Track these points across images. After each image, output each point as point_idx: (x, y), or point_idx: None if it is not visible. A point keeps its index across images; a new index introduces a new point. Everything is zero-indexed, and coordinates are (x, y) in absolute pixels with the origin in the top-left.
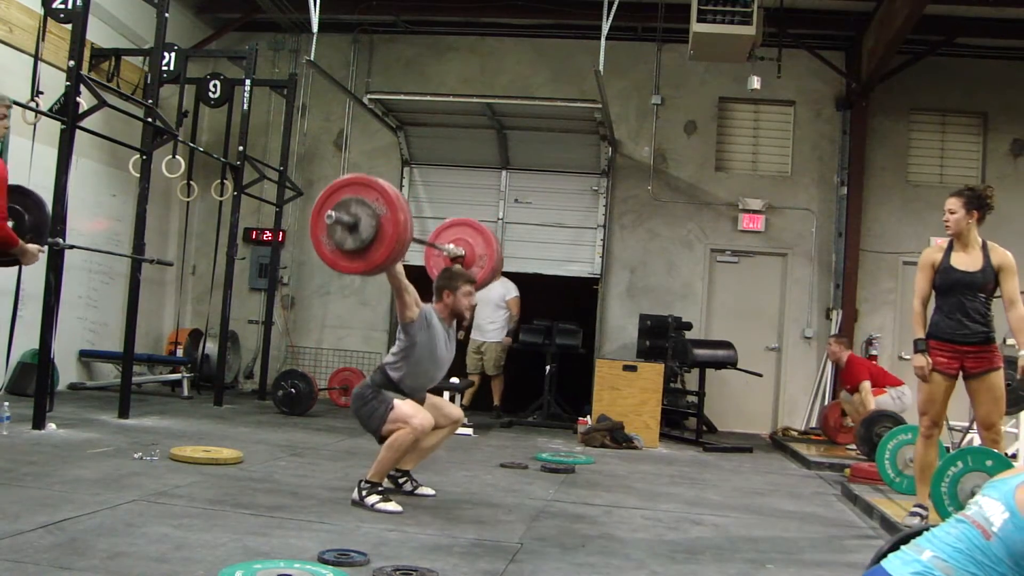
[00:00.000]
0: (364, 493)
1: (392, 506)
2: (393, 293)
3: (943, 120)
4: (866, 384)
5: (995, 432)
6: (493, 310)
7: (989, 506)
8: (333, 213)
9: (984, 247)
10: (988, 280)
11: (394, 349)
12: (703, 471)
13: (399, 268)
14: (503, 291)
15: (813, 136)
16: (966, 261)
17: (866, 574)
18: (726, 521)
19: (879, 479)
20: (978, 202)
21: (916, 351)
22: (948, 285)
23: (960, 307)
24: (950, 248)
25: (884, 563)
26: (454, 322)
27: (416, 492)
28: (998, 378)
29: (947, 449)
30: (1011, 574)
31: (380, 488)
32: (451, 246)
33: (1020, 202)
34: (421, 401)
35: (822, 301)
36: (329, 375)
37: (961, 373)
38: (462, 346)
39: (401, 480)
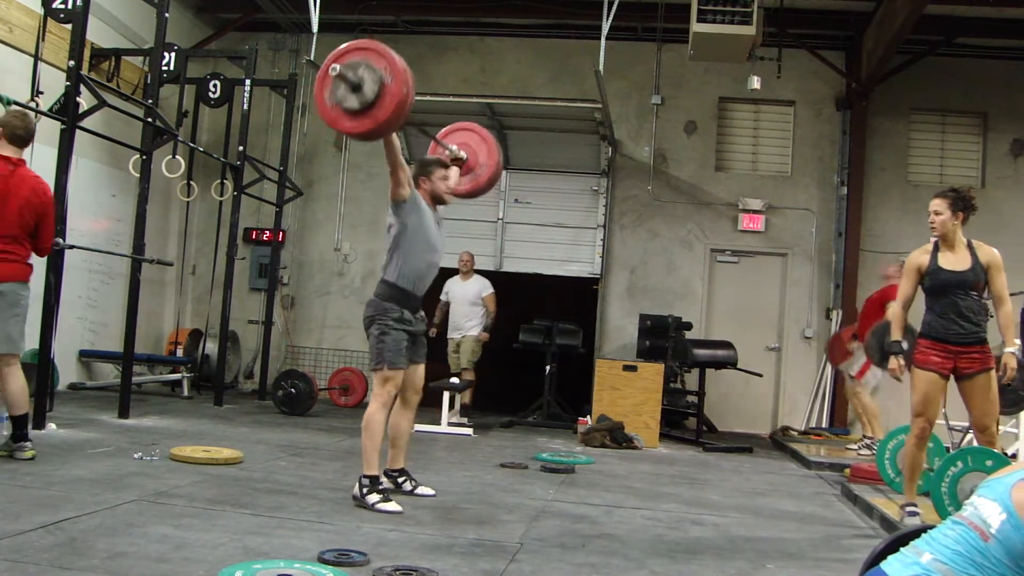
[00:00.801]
0: (365, 491)
1: (392, 506)
2: (389, 168)
3: (943, 120)
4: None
5: (989, 435)
6: (469, 307)
7: (985, 507)
8: (338, 66)
9: (970, 246)
10: (979, 278)
11: (387, 249)
12: (703, 471)
13: (396, 143)
14: (479, 288)
15: (813, 136)
16: (954, 261)
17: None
18: (726, 521)
19: (879, 479)
20: (963, 203)
21: (891, 352)
22: (940, 286)
23: (954, 307)
24: (936, 250)
25: (883, 565)
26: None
27: (416, 492)
28: (991, 379)
29: (947, 449)
30: (1012, 575)
31: (381, 486)
32: (455, 147)
33: (1020, 202)
34: (422, 291)
35: (822, 301)
36: (329, 375)
37: (953, 375)
38: (441, 346)
39: (400, 480)
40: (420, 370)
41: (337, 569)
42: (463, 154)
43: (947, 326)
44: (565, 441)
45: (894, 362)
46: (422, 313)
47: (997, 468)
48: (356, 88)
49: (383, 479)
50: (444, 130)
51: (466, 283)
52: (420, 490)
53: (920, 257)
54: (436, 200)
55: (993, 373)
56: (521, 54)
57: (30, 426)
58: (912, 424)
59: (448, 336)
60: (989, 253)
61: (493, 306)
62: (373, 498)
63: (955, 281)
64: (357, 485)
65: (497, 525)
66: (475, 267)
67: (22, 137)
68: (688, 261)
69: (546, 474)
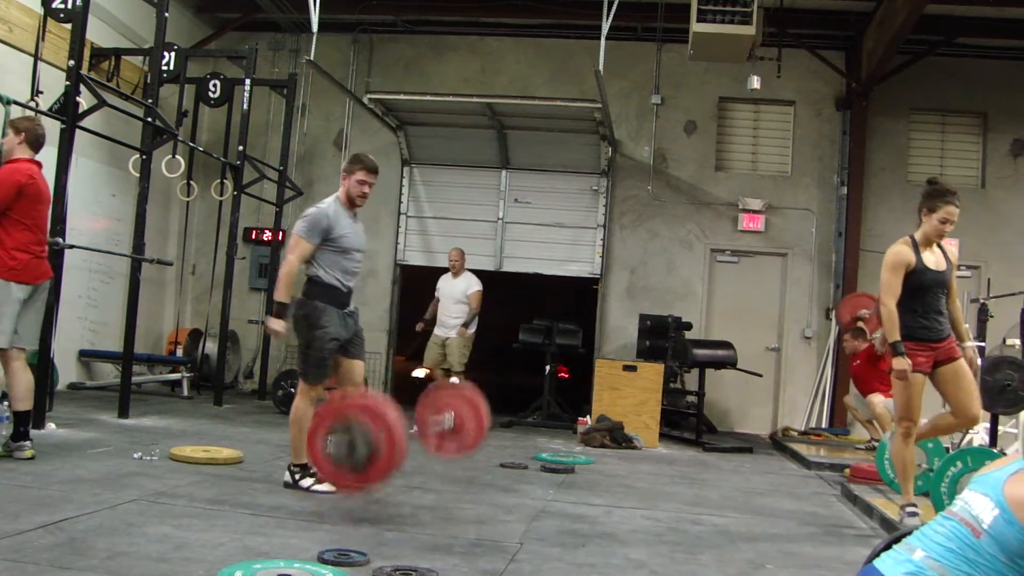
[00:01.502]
0: (297, 477)
1: (326, 487)
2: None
3: (943, 120)
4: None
5: (976, 419)
6: (455, 305)
7: (977, 502)
8: (331, 444)
9: (939, 245)
10: (950, 277)
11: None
12: (703, 471)
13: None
14: (465, 286)
15: (813, 136)
16: (933, 261)
17: (859, 574)
18: (726, 521)
19: (879, 479)
20: None
21: (897, 354)
22: (926, 286)
23: (934, 307)
24: (917, 248)
25: (876, 562)
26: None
27: (313, 489)
28: (964, 365)
29: (947, 450)
30: (1006, 570)
31: (312, 470)
32: (443, 418)
33: (1020, 202)
34: (348, 294)
35: (822, 301)
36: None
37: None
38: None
39: (298, 477)
40: (357, 366)
41: (337, 569)
42: (448, 423)
43: (931, 326)
44: (565, 441)
45: (903, 362)
46: (354, 307)
47: None
48: (350, 451)
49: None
50: (441, 396)
51: (455, 281)
52: (317, 487)
53: (908, 254)
54: (349, 200)
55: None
56: (521, 54)
57: (31, 425)
58: (898, 425)
59: (434, 332)
60: (953, 253)
61: (476, 303)
62: (307, 481)
63: (938, 281)
64: (287, 473)
65: (497, 525)
66: (474, 266)
67: (40, 141)
68: (688, 261)
69: (546, 474)
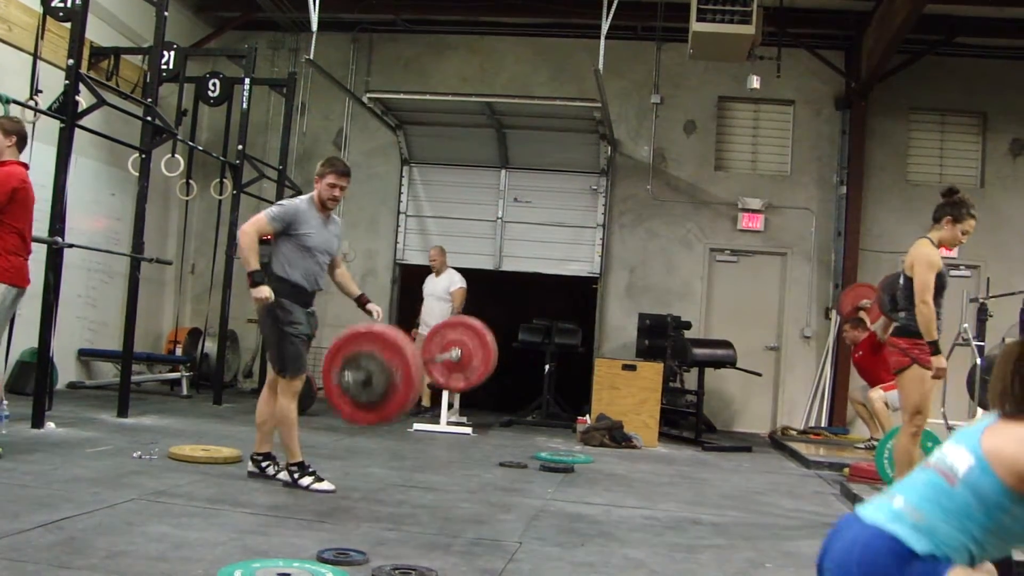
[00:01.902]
0: (296, 476)
1: (326, 485)
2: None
3: (942, 120)
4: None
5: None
6: (437, 302)
7: (954, 454)
8: (348, 377)
9: None
10: None
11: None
12: (702, 470)
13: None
14: (447, 283)
15: (812, 135)
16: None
17: (840, 521)
18: (725, 520)
19: (878, 478)
20: None
21: (937, 352)
22: (944, 288)
23: (941, 307)
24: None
25: (858, 510)
26: (330, 214)
27: (277, 477)
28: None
29: None
30: (980, 517)
31: (310, 469)
32: (448, 355)
33: (1019, 202)
34: (312, 294)
35: (821, 300)
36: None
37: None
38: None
39: (264, 464)
40: None
41: (336, 568)
42: (456, 356)
43: (940, 326)
44: (564, 440)
45: (943, 361)
46: (313, 308)
47: None
48: (366, 383)
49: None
50: (451, 320)
51: (437, 280)
52: (280, 475)
53: (938, 256)
54: (320, 201)
55: None
56: (521, 53)
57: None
58: (911, 422)
59: (419, 331)
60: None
61: (459, 301)
62: (306, 480)
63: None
64: (285, 473)
65: (496, 524)
66: (473, 266)
67: (26, 141)
68: (687, 260)
69: (545, 473)
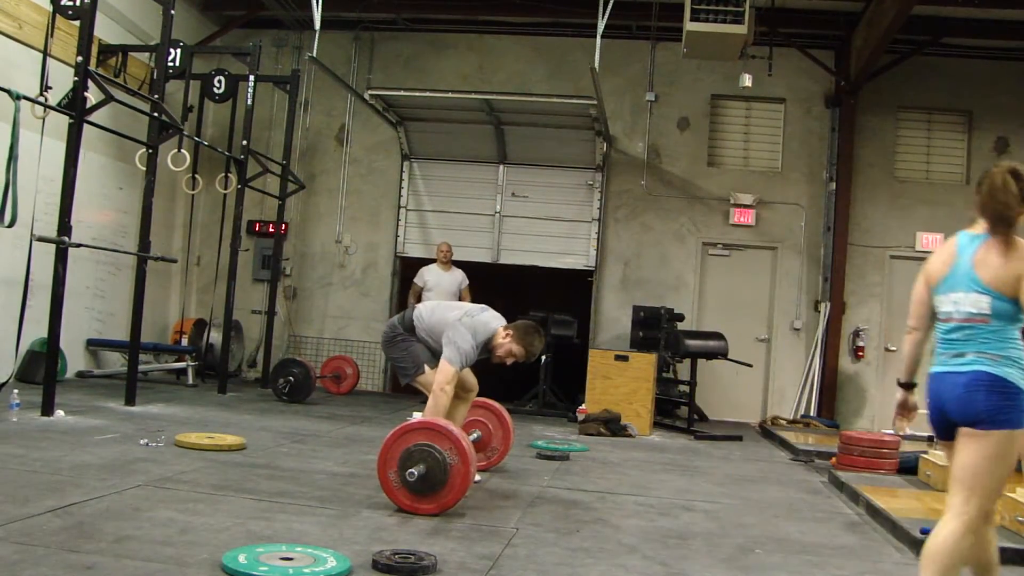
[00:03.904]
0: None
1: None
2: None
3: (929, 118)
4: None
5: None
6: (450, 297)
7: (964, 300)
8: (415, 472)
9: None
10: None
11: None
12: (694, 459)
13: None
14: (460, 279)
15: (803, 133)
16: None
17: (931, 382)
18: (716, 507)
19: (864, 467)
20: None
21: None
22: None
23: None
24: None
25: (933, 370)
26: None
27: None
28: None
29: None
30: (1018, 320)
31: None
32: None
33: None
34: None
35: (811, 294)
36: (322, 364)
37: None
38: None
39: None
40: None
41: (336, 552)
42: (476, 435)
43: None
44: (560, 429)
45: None
46: None
47: None
48: (423, 478)
49: None
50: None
51: (446, 274)
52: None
53: None
54: (492, 350)
55: None
56: (519, 52)
57: None
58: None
59: None
60: None
61: (468, 299)
62: None
63: None
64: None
65: (493, 511)
66: (472, 259)
67: None
68: (680, 254)
69: (541, 461)
